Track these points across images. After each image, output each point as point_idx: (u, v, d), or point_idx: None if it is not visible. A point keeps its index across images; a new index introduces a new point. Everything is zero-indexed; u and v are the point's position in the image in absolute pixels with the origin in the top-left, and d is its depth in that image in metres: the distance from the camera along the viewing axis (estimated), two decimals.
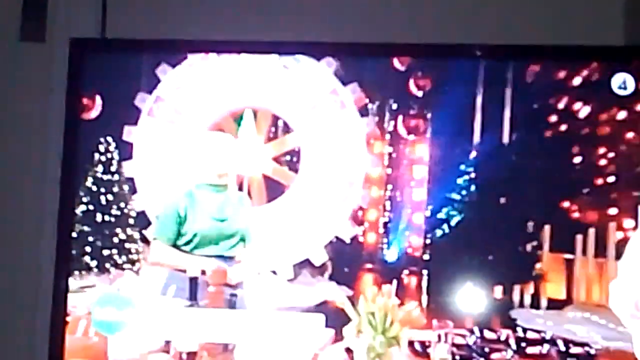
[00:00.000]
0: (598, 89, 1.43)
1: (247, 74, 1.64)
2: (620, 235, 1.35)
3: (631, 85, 1.41)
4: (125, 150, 1.70)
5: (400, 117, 1.50)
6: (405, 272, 1.53)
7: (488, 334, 1.40)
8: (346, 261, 1.57)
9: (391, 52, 1.47)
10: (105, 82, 1.68)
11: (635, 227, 1.34)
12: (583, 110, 1.42)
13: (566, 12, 1.60)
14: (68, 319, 1.61)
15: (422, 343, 1.38)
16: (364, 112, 1.54)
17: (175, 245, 1.57)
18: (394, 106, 1.50)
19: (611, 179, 1.38)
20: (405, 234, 1.56)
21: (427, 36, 1.60)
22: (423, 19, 1.64)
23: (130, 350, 1.56)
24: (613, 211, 1.39)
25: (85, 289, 1.63)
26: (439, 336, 1.38)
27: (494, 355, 1.38)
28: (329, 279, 1.58)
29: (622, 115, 1.41)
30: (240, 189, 1.67)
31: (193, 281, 1.53)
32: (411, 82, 1.47)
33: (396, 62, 1.49)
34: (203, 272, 1.53)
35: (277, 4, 1.73)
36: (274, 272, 1.60)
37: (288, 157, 1.64)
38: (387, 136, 1.53)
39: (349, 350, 1.40)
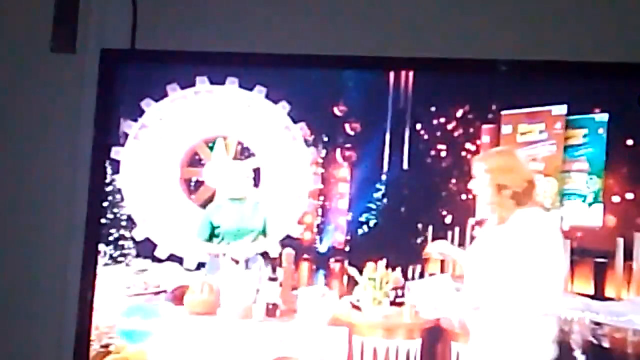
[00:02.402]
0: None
1: (219, 109, 2.12)
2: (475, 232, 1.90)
3: None
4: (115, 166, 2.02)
5: (337, 149, 2.05)
6: (332, 260, 2.03)
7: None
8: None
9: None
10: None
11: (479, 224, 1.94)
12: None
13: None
14: None
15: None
16: (308, 144, 2.11)
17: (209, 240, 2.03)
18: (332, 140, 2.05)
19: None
20: (333, 232, 2.10)
21: None
22: None
23: None
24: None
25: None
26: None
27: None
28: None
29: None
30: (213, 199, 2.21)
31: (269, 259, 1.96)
32: (347, 125, 2.04)
33: (336, 110, 2.05)
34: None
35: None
36: (236, 261, 2.15)
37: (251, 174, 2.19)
38: (323, 161, 2.09)
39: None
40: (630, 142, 1.83)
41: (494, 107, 1.90)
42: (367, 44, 1.93)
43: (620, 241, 1.77)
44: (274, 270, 1.99)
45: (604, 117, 1.84)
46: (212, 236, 2.08)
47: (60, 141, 1.88)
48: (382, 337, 1.90)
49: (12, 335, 1.86)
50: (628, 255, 1.78)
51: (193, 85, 2.00)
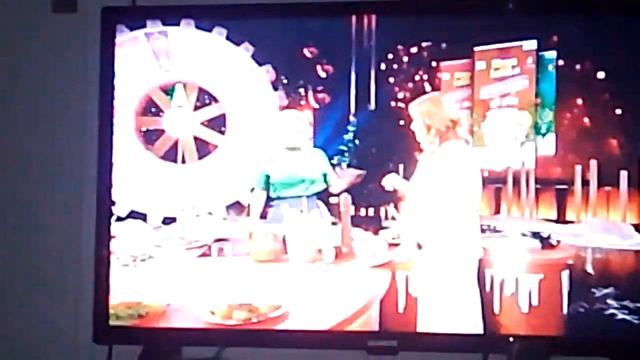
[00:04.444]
0: None
1: (176, 53, 2.01)
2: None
3: None
4: None
5: (310, 92, 2.01)
6: None
7: None
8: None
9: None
10: None
11: None
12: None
13: None
14: None
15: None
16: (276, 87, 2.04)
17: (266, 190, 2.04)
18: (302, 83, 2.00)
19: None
20: None
21: None
22: None
23: None
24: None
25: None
26: None
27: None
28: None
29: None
30: (176, 148, 2.10)
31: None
32: (318, 67, 2.00)
33: (306, 52, 1.99)
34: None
35: None
36: (210, 213, 2.09)
37: (215, 122, 2.11)
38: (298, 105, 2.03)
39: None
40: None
41: (466, 43, 1.94)
42: None
43: (578, 168, 1.93)
44: (334, 215, 2.02)
45: (553, 54, 1.94)
46: (268, 185, 2.07)
47: (66, 101, 1.87)
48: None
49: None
50: (585, 182, 1.95)
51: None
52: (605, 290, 1.86)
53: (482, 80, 1.98)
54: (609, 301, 1.85)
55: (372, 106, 2.04)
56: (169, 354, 1.80)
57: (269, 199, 2.07)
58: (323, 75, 2.01)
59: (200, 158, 2.08)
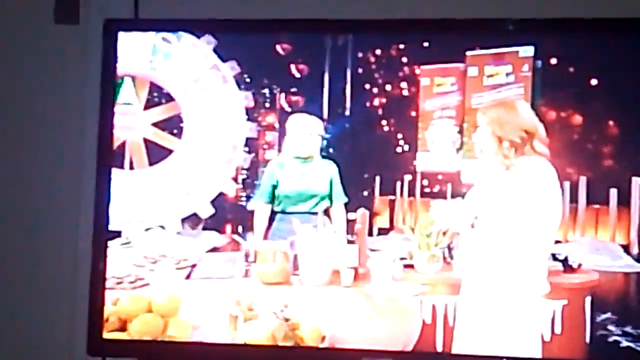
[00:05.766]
0: None
1: (130, 45, 1.78)
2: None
3: None
4: None
5: (282, 95, 1.80)
6: None
7: None
8: (226, 212, 1.87)
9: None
10: None
11: None
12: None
13: None
14: None
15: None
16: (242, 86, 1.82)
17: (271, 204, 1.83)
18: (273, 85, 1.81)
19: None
20: None
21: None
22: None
23: None
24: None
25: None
26: None
27: None
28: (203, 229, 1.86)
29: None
30: (123, 151, 1.82)
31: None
32: (292, 66, 1.79)
33: (278, 48, 1.79)
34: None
35: None
36: (162, 227, 1.82)
37: (170, 124, 1.84)
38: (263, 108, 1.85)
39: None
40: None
41: (458, 47, 1.78)
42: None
43: (567, 185, 1.82)
44: (352, 233, 1.83)
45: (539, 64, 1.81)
46: (274, 197, 1.85)
47: (66, 114, 1.88)
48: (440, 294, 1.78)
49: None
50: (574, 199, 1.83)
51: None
52: (604, 316, 1.74)
53: (474, 88, 1.82)
54: (610, 327, 1.74)
55: (347, 112, 1.83)
56: None
57: (273, 213, 1.86)
58: (297, 75, 1.79)
59: (151, 164, 1.81)
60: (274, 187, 1.87)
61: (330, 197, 1.88)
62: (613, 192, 1.80)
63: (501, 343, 1.70)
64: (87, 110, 1.83)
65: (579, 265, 1.78)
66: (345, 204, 1.83)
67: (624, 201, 1.80)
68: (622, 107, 1.77)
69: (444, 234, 1.79)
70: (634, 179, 1.77)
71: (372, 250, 1.85)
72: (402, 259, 1.83)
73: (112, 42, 1.74)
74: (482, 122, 1.73)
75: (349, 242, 1.83)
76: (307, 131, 1.83)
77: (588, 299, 1.77)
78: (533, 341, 1.71)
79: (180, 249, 1.81)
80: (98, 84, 1.77)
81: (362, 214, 1.82)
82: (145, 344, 1.71)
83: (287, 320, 1.71)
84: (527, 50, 1.77)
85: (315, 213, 1.86)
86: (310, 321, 1.72)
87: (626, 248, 1.81)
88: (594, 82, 1.76)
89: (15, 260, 1.89)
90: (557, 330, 1.73)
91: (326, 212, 1.88)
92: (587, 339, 1.73)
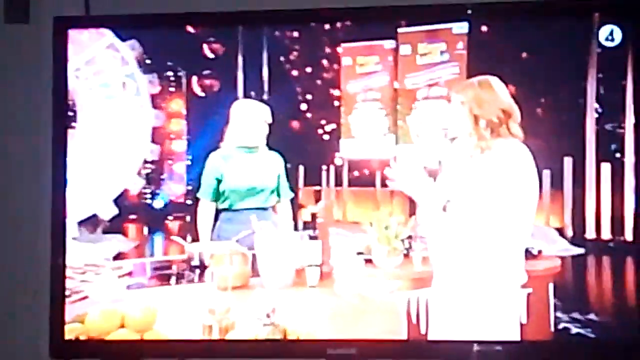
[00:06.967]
0: None
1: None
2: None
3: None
4: None
5: (194, 78, 1.64)
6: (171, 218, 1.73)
7: None
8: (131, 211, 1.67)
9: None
10: None
11: None
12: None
13: None
14: None
15: None
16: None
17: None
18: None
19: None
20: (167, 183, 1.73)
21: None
22: None
23: None
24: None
25: None
26: None
27: None
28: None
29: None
30: None
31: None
32: (205, 46, 1.62)
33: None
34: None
35: None
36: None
37: None
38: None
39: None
40: None
41: (389, 24, 1.65)
42: None
43: None
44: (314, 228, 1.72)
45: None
46: (219, 193, 1.71)
47: (19, 111, 1.85)
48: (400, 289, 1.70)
49: None
50: None
51: None
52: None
53: (407, 67, 1.69)
54: (559, 314, 1.68)
55: (266, 95, 1.68)
56: None
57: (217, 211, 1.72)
58: (211, 56, 1.60)
59: None
60: (219, 181, 1.72)
61: (277, 191, 1.75)
62: (546, 173, 1.74)
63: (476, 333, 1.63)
64: (41, 110, 1.76)
65: (539, 252, 1.71)
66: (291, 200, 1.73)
67: (557, 184, 1.74)
68: (552, 85, 1.71)
69: (404, 225, 1.70)
70: (565, 159, 1.71)
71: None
72: (359, 253, 1.71)
73: (62, 39, 1.70)
74: (456, 102, 1.64)
75: (311, 237, 1.72)
76: (252, 118, 1.69)
77: (551, 286, 1.69)
78: (510, 330, 1.64)
79: (79, 257, 1.59)
80: (50, 81, 1.71)
81: (323, 206, 1.71)
82: (107, 344, 1.68)
83: (275, 326, 1.62)
84: (462, 27, 1.66)
85: (266, 209, 1.74)
86: (300, 325, 1.64)
87: (560, 231, 1.76)
88: (524, 55, 1.69)
89: None
90: (523, 319, 1.64)
91: (272, 208, 1.77)
92: (552, 328, 1.66)
